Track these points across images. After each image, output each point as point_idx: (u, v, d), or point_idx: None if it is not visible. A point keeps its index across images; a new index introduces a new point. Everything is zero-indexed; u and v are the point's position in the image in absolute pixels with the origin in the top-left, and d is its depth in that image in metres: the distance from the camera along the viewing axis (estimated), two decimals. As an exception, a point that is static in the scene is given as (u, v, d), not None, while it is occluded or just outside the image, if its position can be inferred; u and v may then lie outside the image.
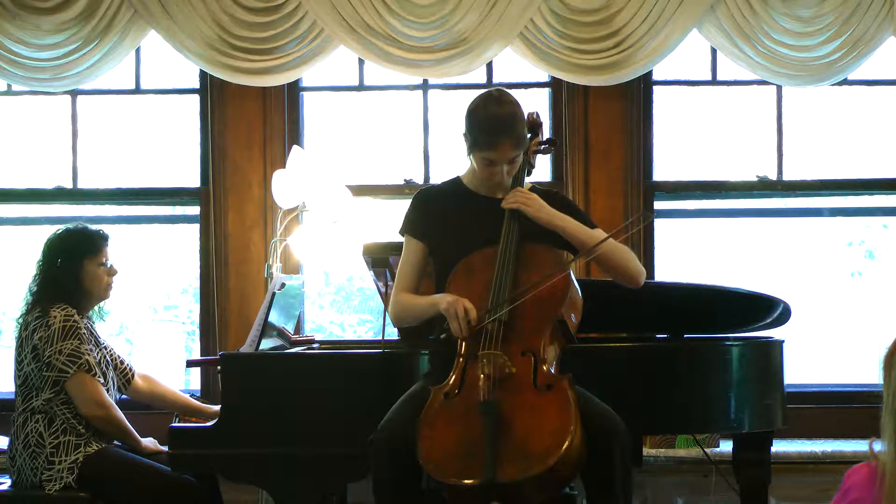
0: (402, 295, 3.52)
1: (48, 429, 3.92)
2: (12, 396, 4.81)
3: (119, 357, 4.20)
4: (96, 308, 4.17)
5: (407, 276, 3.54)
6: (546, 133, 3.70)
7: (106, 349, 4.13)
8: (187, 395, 4.34)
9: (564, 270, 3.30)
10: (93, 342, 4.04)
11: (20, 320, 4.06)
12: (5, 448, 4.23)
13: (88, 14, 5.33)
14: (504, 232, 3.36)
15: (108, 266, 4.12)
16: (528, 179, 3.60)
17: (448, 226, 3.50)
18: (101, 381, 3.97)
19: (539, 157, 3.68)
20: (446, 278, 3.40)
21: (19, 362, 4.02)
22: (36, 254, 4.17)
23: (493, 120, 3.37)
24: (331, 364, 3.86)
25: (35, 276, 4.10)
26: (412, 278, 3.54)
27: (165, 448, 3.95)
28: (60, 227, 4.19)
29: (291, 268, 5.37)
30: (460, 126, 3.47)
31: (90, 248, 4.09)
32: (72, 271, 4.06)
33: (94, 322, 4.15)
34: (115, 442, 4.07)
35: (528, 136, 3.57)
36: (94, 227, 4.18)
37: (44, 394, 3.93)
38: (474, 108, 3.44)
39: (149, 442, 4.12)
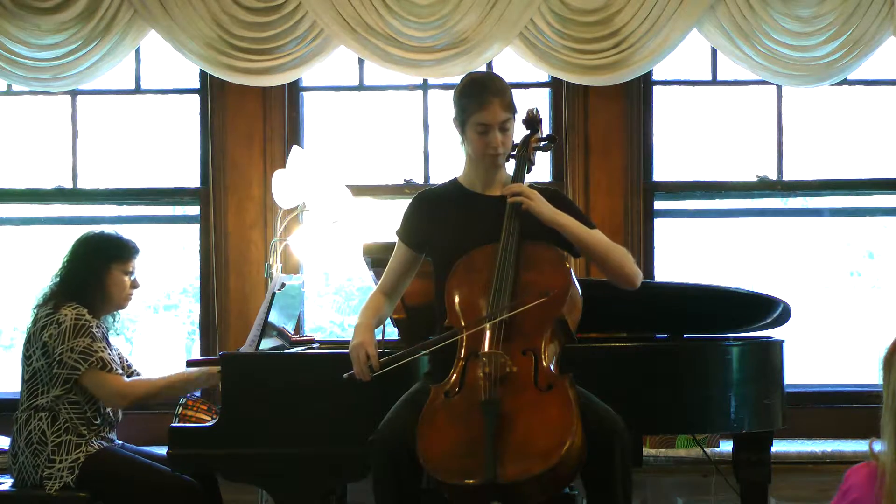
0: (373, 297, 3.60)
1: (51, 427, 3.92)
2: (11, 396, 4.80)
3: (127, 361, 4.20)
4: (111, 319, 4.17)
5: (387, 277, 3.62)
6: (546, 131, 3.69)
7: (117, 352, 4.13)
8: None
9: (566, 279, 3.31)
10: (105, 342, 4.04)
11: (34, 312, 4.06)
12: (5, 448, 4.23)
13: (88, 14, 5.33)
14: (504, 230, 3.36)
15: (133, 277, 4.14)
16: (527, 178, 3.60)
17: (447, 226, 3.50)
18: (118, 372, 3.98)
19: (539, 154, 3.67)
20: (447, 277, 3.41)
21: (28, 357, 4.01)
22: (49, 252, 4.16)
23: (479, 84, 3.45)
24: (331, 364, 3.85)
25: (58, 272, 4.11)
26: (391, 280, 3.60)
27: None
28: (95, 229, 4.22)
29: (291, 268, 5.37)
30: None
31: (120, 254, 4.11)
32: (98, 272, 4.07)
33: (107, 329, 4.15)
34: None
35: (528, 132, 3.57)
36: (127, 237, 4.19)
37: (53, 391, 3.93)
38: (459, 87, 3.51)
39: (206, 370, 4.10)
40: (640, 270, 3.47)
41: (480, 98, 3.40)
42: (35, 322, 4.01)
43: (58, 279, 4.09)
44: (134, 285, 4.15)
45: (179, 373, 4.12)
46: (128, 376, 4.17)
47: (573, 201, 3.73)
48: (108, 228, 4.27)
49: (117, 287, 4.10)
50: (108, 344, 4.08)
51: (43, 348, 3.95)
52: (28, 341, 4.02)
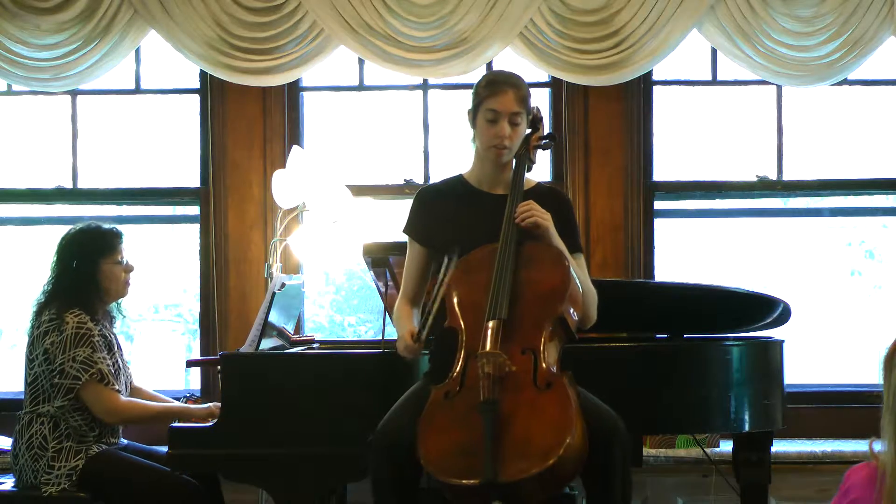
0: (400, 306, 3.55)
1: (52, 433, 3.91)
2: (12, 396, 4.79)
3: (129, 371, 4.18)
4: (115, 306, 4.15)
5: (408, 281, 3.59)
6: (546, 129, 3.68)
7: (120, 351, 4.11)
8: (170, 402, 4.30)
9: (566, 277, 3.31)
10: (106, 348, 4.02)
11: (34, 313, 4.04)
12: (7, 448, 4.23)
13: (88, 14, 5.33)
14: (504, 229, 3.36)
15: (125, 263, 4.11)
16: (533, 178, 3.60)
17: (449, 222, 3.50)
18: (115, 388, 3.96)
19: (540, 153, 3.67)
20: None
21: (30, 360, 4.00)
22: (49, 253, 4.14)
23: (498, 74, 3.59)
24: (331, 364, 3.86)
25: (50, 278, 4.08)
26: (413, 283, 3.57)
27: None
28: (74, 227, 4.16)
29: (291, 268, 5.37)
30: (460, 127, 3.53)
31: (106, 248, 4.07)
32: (88, 272, 4.04)
33: (113, 325, 4.14)
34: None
35: (529, 130, 3.57)
36: (107, 225, 4.15)
37: (56, 401, 3.92)
38: (479, 79, 3.56)
39: (207, 407, 4.10)
40: (596, 317, 3.49)
41: (495, 86, 3.46)
42: (38, 326, 3.99)
43: (50, 286, 4.06)
44: (128, 270, 4.11)
45: (178, 405, 4.12)
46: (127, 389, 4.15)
47: (574, 213, 3.69)
48: (85, 222, 4.17)
49: (111, 280, 4.07)
50: (113, 349, 4.06)
51: (45, 354, 3.94)
52: (31, 344, 4.01)
